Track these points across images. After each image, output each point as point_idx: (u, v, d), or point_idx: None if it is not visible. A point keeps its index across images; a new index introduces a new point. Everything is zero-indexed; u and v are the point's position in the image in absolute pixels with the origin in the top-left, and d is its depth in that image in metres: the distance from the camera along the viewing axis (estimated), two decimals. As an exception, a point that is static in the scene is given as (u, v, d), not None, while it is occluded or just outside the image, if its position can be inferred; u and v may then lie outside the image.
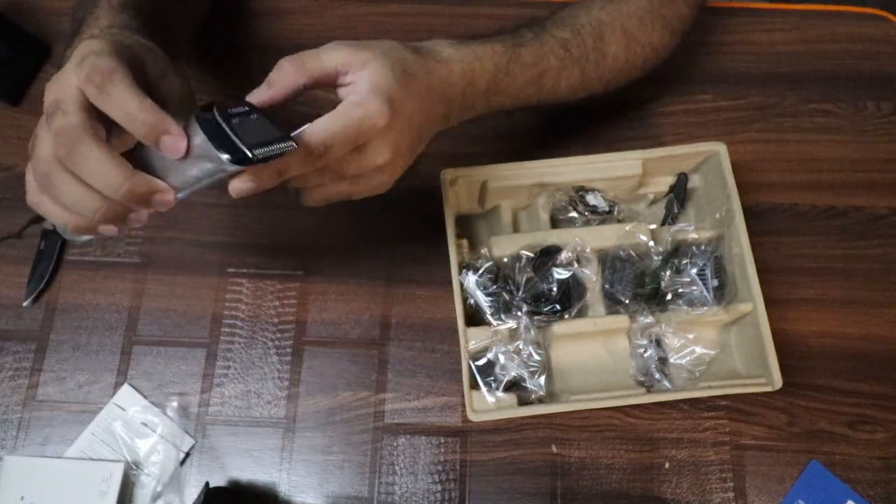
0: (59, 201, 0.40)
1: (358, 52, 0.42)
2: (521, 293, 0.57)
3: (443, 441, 0.60)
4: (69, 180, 0.38)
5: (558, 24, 0.55)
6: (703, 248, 0.59)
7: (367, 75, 0.42)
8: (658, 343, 0.59)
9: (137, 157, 0.40)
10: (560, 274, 0.58)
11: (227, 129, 0.37)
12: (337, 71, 0.42)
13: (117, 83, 0.37)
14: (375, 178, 0.45)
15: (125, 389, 0.61)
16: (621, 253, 0.60)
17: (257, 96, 0.42)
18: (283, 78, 0.41)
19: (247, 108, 0.40)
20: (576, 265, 0.58)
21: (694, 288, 0.58)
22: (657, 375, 0.58)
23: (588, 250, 0.59)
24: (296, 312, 0.64)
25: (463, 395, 0.55)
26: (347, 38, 0.42)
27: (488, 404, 0.55)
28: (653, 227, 0.60)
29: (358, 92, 0.42)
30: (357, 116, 0.41)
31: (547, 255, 0.58)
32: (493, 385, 0.56)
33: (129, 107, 0.37)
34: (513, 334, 0.57)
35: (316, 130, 0.40)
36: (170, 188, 0.39)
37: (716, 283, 0.59)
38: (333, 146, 0.40)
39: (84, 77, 0.37)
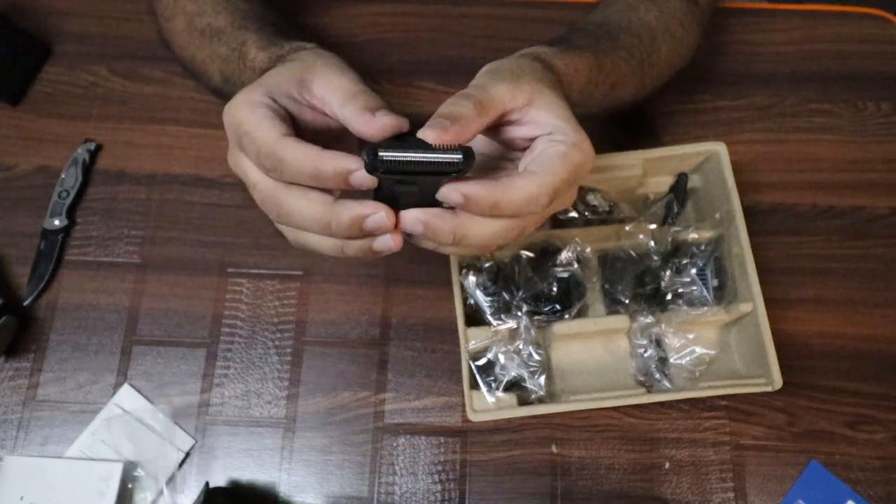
0: (298, 225, 0.36)
1: (517, 85, 0.38)
2: (521, 293, 0.57)
3: (443, 441, 0.60)
4: (288, 196, 0.35)
5: (622, 28, 0.53)
6: (703, 248, 0.59)
7: (552, 112, 0.38)
8: (658, 343, 0.59)
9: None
10: (560, 274, 0.58)
11: (411, 154, 0.32)
12: (504, 109, 0.37)
13: (287, 150, 0.33)
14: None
15: (125, 389, 0.61)
16: (621, 253, 0.60)
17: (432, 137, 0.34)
18: (464, 116, 0.35)
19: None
20: (576, 265, 0.58)
21: (694, 288, 0.58)
22: (657, 375, 0.58)
23: (588, 250, 0.59)
24: (296, 312, 0.64)
25: (463, 395, 0.55)
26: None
27: (488, 404, 0.55)
28: (653, 227, 0.60)
29: (559, 131, 0.37)
30: (579, 161, 0.36)
31: (547, 255, 0.58)
32: (493, 385, 0.56)
33: (304, 166, 0.33)
34: (513, 334, 0.57)
35: (547, 178, 0.35)
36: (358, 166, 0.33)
37: (716, 283, 0.59)
38: (561, 194, 0.36)
39: (255, 161, 0.35)
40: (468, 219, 0.34)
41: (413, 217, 0.34)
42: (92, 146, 0.68)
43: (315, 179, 0.33)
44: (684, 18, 0.57)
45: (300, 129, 0.37)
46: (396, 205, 0.34)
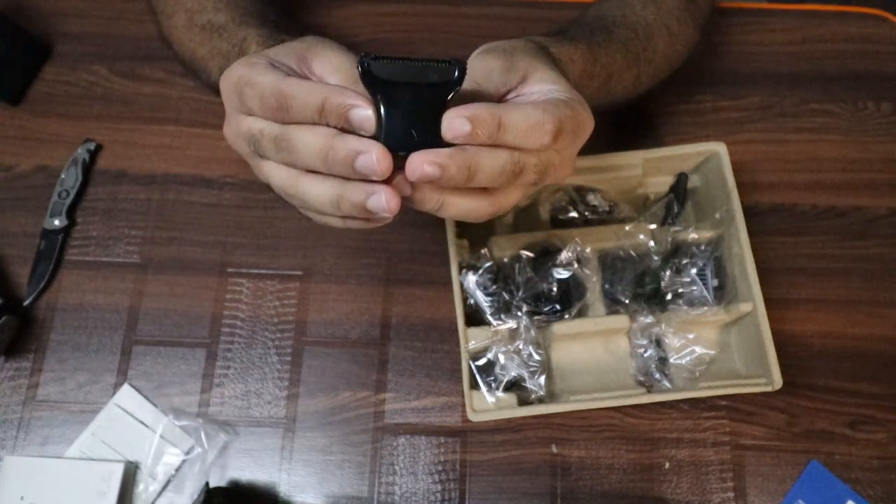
0: (300, 161, 0.35)
1: (512, 62, 0.38)
2: (521, 293, 0.57)
3: (443, 441, 0.60)
4: (292, 135, 0.34)
5: (617, 23, 0.53)
6: (703, 248, 0.59)
7: (547, 81, 0.38)
8: (658, 343, 0.59)
9: None
10: (560, 274, 0.58)
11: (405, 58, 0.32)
12: (498, 88, 0.37)
13: (290, 86, 0.33)
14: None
15: (125, 389, 0.61)
16: (621, 253, 0.60)
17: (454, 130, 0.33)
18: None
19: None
20: (576, 265, 0.58)
21: (694, 288, 0.58)
22: (657, 375, 0.58)
23: (588, 250, 0.59)
24: (296, 312, 0.64)
25: (463, 395, 0.55)
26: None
27: (488, 404, 0.55)
28: (653, 227, 0.60)
29: (556, 91, 0.37)
30: (579, 112, 0.36)
31: (547, 255, 0.58)
32: (493, 385, 0.56)
33: (313, 99, 0.32)
34: (513, 334, 0.57)
35: (551, 108, 0.34)
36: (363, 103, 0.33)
37: (716, 283, 0.59)
38: (564, 131, 0.34)
39: (259, 108, 0.34)
40: (476, 151, 0.33)
41: (421, 158, 0.32)
42: (92, 146, 0.68)
43: (321, 113, 0.33)
44: (681, 15, 0.57)
45: None
46: (400, 162, 0.34)
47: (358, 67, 0.32)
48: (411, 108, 0.33)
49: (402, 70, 0.32)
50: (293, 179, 0.35)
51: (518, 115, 0.33)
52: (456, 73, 0.33)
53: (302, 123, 0.34)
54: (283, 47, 0.38)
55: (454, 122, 0.32)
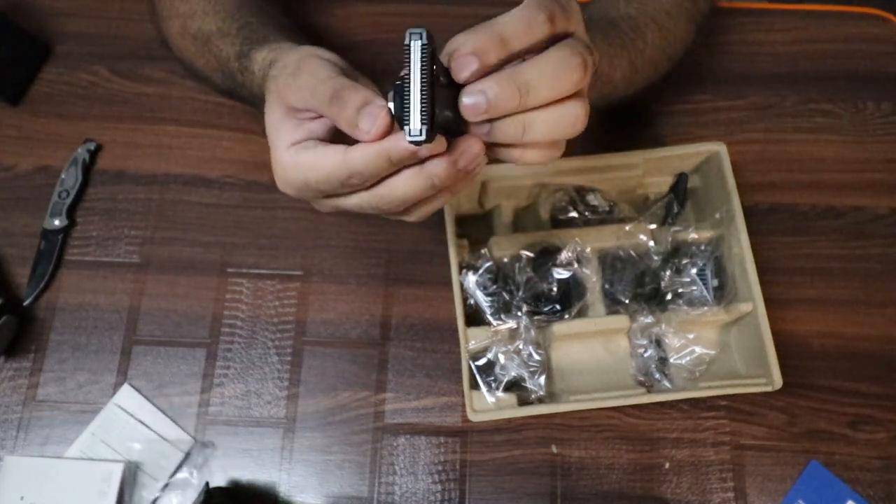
0: (414, 202, 0.37)
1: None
2: (521, 293, 0.57)
3: (443, 441, 0.60)
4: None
5: (595, 20, 0.53)
6: (703, 248, 0.59)
7: None
8: (658, 343, 0.59)
9: None
10: (560, 274, 0.58)
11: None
12: None
13: (357, 162, 0.34)
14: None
15: (125, 389, 0.61)
16: (621, 253, 0.60)
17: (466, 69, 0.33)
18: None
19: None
20: (576, 265, 0.58)
21: (694, 288, 0.58)
22: (657, 375, 0.58)
23: (588, 250, 0.59)
24: (296, 312, 0.64)
25: (463, 395, 0.55)
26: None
27: (488, 404, 0.55)
28: (653, 227, 0.60)
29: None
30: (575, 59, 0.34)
31: (547, 255, 0.58)
32: (493, 385, 0.56)
33: (381, 166, 0.34)
34: (513, 334, 0.57)
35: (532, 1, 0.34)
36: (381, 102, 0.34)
37: (716, 283, 0.59)
38: (556, 13, 0.34)
39: (342, 189, 0.36)
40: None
41: (470, 92, 0.32)
42: (92, 146, 0.68)
43: (392, 165, 0.34)
44: (673, 11, 0.57)
45: (326, 138, 0.39)
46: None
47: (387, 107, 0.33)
48: (424, 98, 0.32)
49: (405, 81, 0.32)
50: (416, 212, 0.38)
51: (508, 20, 0.33)
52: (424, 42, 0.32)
53: (384, 179, 0.35)
54: (270, 118, 0.39)
55: (460, 62, 0.32)
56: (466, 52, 0.32)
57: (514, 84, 0.32)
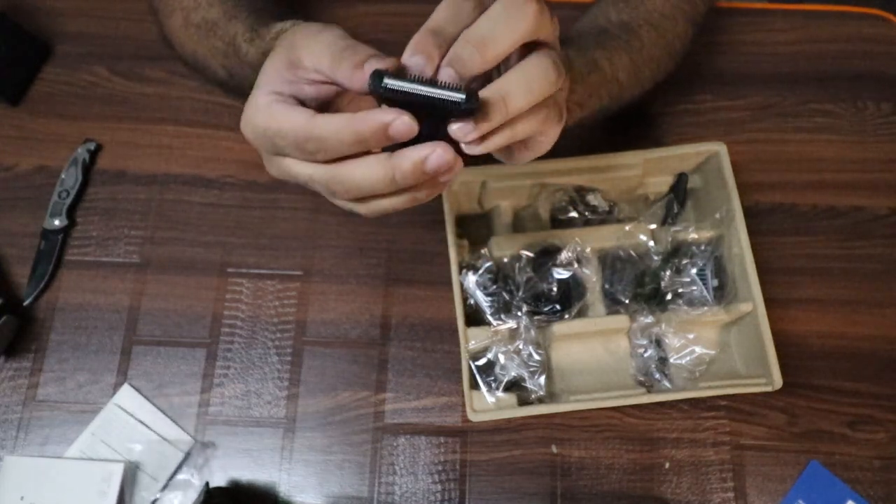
0: (368, 192, 0.35)
1: None
2: (521, 293, 0.57)
3: (443, 441, 0.60)
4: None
5: (585, 31, 0.54)
6: (703, 248, 0.59)
7: None
8: (658, 343, 0.59)
9: None
10: (560, 274, 0.58)
11: (416, 87, 0.32)
12: None
13: (322, 128, 0.33)
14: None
15: (125, 389, 0.61)
16: (621, 253, 0.60)
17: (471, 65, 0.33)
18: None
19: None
20: (576, 265, 0.58)
21: (694, 288, 0.58)
22: (657, 375, 0.58)
23: (588, 250, 0.59)
24: (296, 312, 0.64)
25: (463, 395, 0.55)
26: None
27: (488, 404, 0.55)
28: (653, 227, 0.60)
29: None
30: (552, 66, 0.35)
31: (547, 255, 0.58)
32: (493, 385, 0.56)
33: (347, 135, 0.33)
34: (513, 334, 0.57)
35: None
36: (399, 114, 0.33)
37: (716, 283, 0.59)
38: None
39: (297, 153, 0.34)
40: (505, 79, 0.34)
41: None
42: (92, 146, 0.68)
43: (358, 144, 0.33)
44: (666, 11, 0.57)
45: (311, 107, 0.37)
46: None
47: (369, 86, 0.32)
48: (421, 119, 0.33)
49: (410, 98, 0.32)
50: (366, 206, 0.36)
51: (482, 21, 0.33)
52: (465, 103, 0.32)
53: (346, 159, 0.34)
54: (271, 63, 0.38)
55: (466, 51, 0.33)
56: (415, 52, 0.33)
57: (499, 94, 0.33)
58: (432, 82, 0.32)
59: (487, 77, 0.35)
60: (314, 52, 0.36)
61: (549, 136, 0.39)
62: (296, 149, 0.34)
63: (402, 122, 0.32)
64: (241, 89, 0.51)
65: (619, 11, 0.55)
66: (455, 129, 0.33)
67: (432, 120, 0.33)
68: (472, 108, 0.32)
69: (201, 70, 0.56)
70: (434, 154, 0.33)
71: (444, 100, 0.32)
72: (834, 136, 0.69)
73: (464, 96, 0.32)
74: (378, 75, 0.32)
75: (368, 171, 0.33)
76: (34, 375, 0.62)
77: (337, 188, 0.35)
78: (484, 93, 0.33)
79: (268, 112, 0.35)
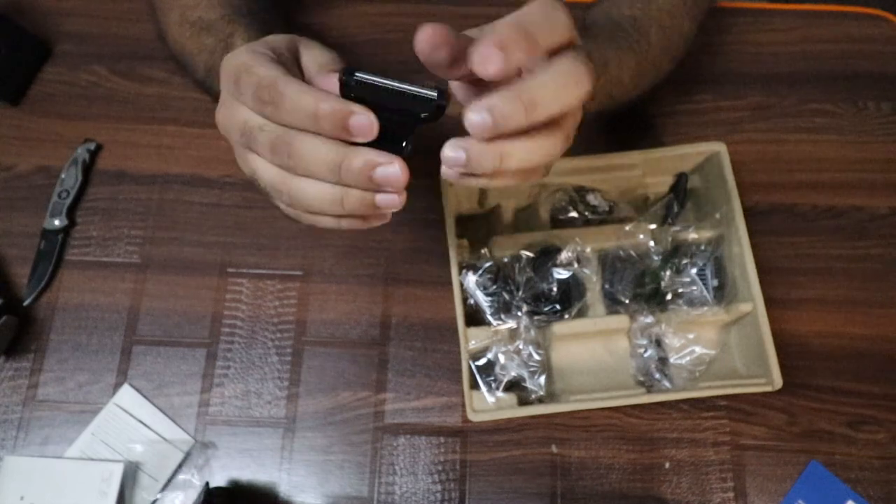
0: (305, 167, 0.33)
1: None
2: (521, 293, 0.57)
3: (443, 441, 0.60)
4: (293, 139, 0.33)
5: (599, 24, 0.53)
6: (703, 248, 0.59)
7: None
8: (658, 343, 0.59)
9: None
10: (560, 274, 0.58)
11: (388, 81, 0.31)
12: None
13: (287, 85, 0.32)
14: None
15: (125, 389, 0.61)
16: (621, 253, 0.60)
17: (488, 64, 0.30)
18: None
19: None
20: (576, 265, 0.58)
21: (694, 288, 0.58)
22: (657, 375, 0.58)
23: (588, 250, 0.59)
24: (296, 312, 0.64)
25: (463, 395, 0.55)
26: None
27: (488, 404, 0.55)
28: (653, 227, 0.60)
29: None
30: (548, 4, 0.33)
31: (547, 255, 0.58)
32: (493, 385, 0.56)
33: (304, 102, 0.31)
34: (513, 334, 0.57)
35: (511, 17, 0.32)
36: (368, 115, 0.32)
37: (716, 283, 0.59)
38: (537, 29, 0.32)
39: (252, 98, 0.33)
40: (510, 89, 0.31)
41: (474, 111, 0.30)
42: (92, 146, 0.68)
43: (312, 119, 0.32)
44: (675, 10, 0.57)
45: None
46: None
47: (340, 78, 0.31)
48: (388, 123, 0.32)
49: (381, 93, 0.31)
50: (285, 177, 0.34)
51: (531, 16, 0.32)
52: (437, 100, 0.32)
53: (299, 129, 0.33)
54: (276, 36, 0.38)
55: (484, 53, 0.30)
56: (490, 44, 0.30)
57: (521, 100, 0.30)
58: (402, 80, 0.31)
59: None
60: (313, 60, 0.37)
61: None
62: (253, 94, 0.33)
63: (365, 117, 0.31)
64: (213, 89, 0.51)
65: (632, 4, 0.55)
66: (472, 115, 0.30)
67: (395, 130, 0.32)
68: (443, 107, 0.31)
69: (185, 66, 0.56)
70: (391, 166, 0.32)
71: (415, 95, 0.31)
72: (834, 136, 0.69)
73: (436, 93, 0.31)
74: (350, 70, 0.31)
75: (322, 146, 0.32)
76: (34, 375, 0.62)
77: (281, 149, 0.33)
78: (506, 93, 0.30)
79: (250, 54, 0.34)
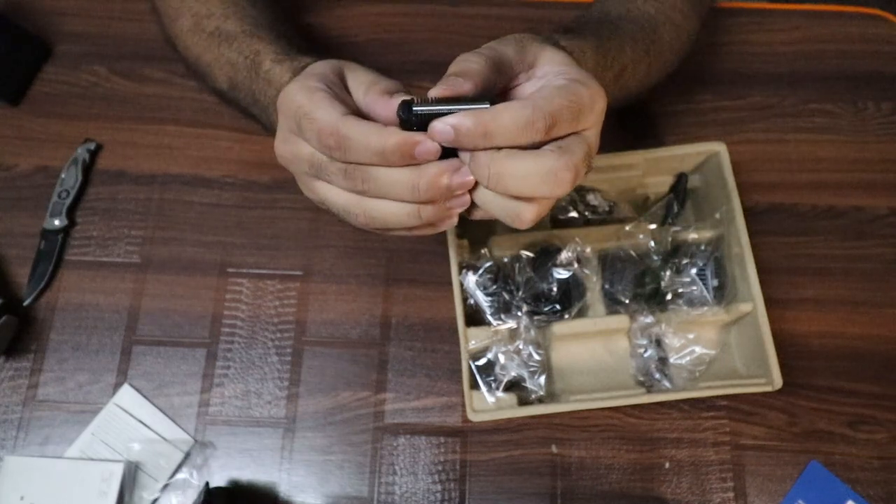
0: (385, 193, 0.36)
1: (522, 48, 0.38)
2: (521, 293, 0.57)
3: (443, 441, 0.60)
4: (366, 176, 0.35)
5: (622, 17, 0.53)
6: (703, 248, 0.59)
7: (555, 62, 0.37)
8: (658, 343, 0.59)
9: None
10: (560, 274, 0.58)
11: (443, 108, 0.33)
12: (513, 68, 0.38)
13: (350, 129, 0.34)
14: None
15: (125, 389, 0.61)
16: (621, 253, 0.60)
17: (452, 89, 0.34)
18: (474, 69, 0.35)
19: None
20: (576, 265, 0.58)
21: (694, 288, 0.58)
22: (657, 375, 0.58)
23: (588, 250, 0.59)
24: (296, 312, 0.64)
25: (463, 395, 0.55)
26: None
27: (488, 404, 0.55)
28: (653, 227, 0.60)
29: (562, 73, 0.36)
30: (580, 92, 0.35)
31: (547, 255, 0.58)
32: (493, 385, 0.56)
33: (371, 143, 0.33)
34: (513, 334, 0.57)
35: (541, 102, 0.33)
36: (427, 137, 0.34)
37: (716, 283, 0.59)
38: (559, 122, 0.34)
39: (317, 143, 0.35)
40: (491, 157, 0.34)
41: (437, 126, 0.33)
42: (92, 146, 0.68)
43: (379, 155, 0.33)
44: (685, 8, 0.57)
45: None
46: None
47: (399, 114, 0.34)
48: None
49: (438, 116, 0.33)
50: (360, 201, 0.36)
51: (502, 119, 0.33)
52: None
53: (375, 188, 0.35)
54: (320, 64, 0.39)
55: (438, 128, 0.33)
56: (451, 122, 0.32)
57: (487, 169, 0.33)
58: (454, 101, 0.33)
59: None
60: (355, 78, 0.38)
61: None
62: (316, 138, 0.35)
63: (430, 144, 0.33)
64: (237, 101, 0.52)
65: (646, 0, 0.55)
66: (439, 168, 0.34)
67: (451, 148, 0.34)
68: None
69: (201, 76, 0.56)
70: (459, 173, 0.34)
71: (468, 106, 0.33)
72: (834, 136, 0.69)
73: (488, 103, 0.33)
74: (406, 104, 0.33)
75: (396, 172, 0.34)
76: (34, 375, 0.62)
77: (357, 183, 0.35)
78: (478, 159, 0.33)
79: (310, 94, 0.36)
